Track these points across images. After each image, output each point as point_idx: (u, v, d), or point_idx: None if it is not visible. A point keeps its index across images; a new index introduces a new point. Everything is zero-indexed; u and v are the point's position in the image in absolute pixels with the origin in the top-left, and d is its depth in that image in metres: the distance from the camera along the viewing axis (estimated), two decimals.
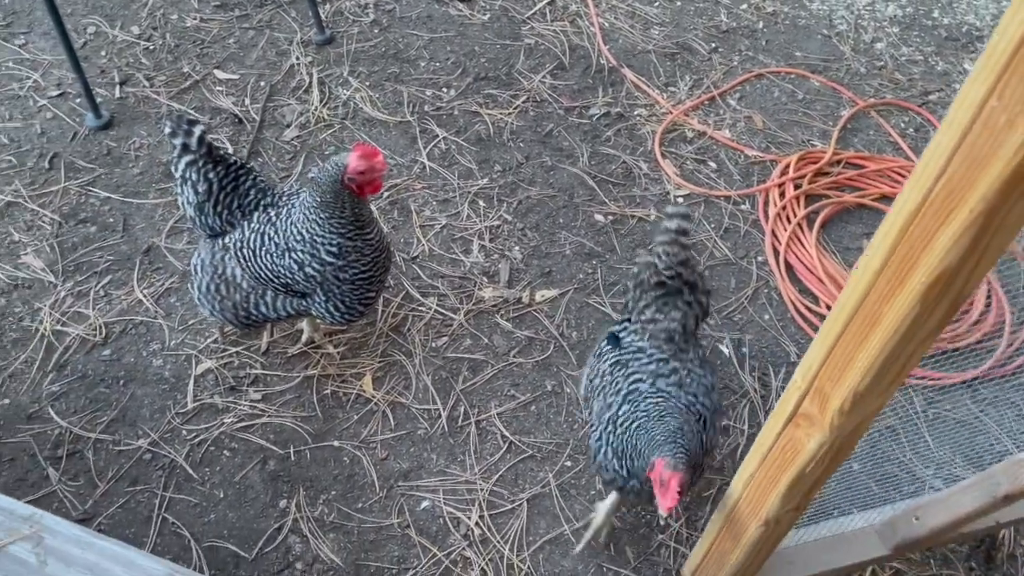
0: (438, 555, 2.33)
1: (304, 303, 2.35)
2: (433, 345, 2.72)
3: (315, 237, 2.20)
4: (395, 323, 2.75)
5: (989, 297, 2.89)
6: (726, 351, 2.79)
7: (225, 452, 2.46)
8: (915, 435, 2.60)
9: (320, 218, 2.18)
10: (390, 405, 2.58)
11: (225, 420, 2.51)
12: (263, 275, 2.29)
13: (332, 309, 2.34)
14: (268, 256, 2.26)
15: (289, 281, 2.27)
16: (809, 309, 2.86)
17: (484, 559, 2.33)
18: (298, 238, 2.23)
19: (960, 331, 2.78)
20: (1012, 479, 1.89)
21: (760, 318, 2.86)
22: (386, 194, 3.07)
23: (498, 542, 2.36)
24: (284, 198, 2.35)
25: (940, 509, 2.01)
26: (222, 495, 2.39)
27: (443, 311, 2.79)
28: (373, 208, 2.99)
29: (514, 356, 2.73)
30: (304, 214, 2.22)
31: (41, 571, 1.50)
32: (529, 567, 2.32)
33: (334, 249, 2.20)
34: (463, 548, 2.34)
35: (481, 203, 3.09)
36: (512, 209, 3.09)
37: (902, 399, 2.68)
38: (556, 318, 2.82)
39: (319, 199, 2.17)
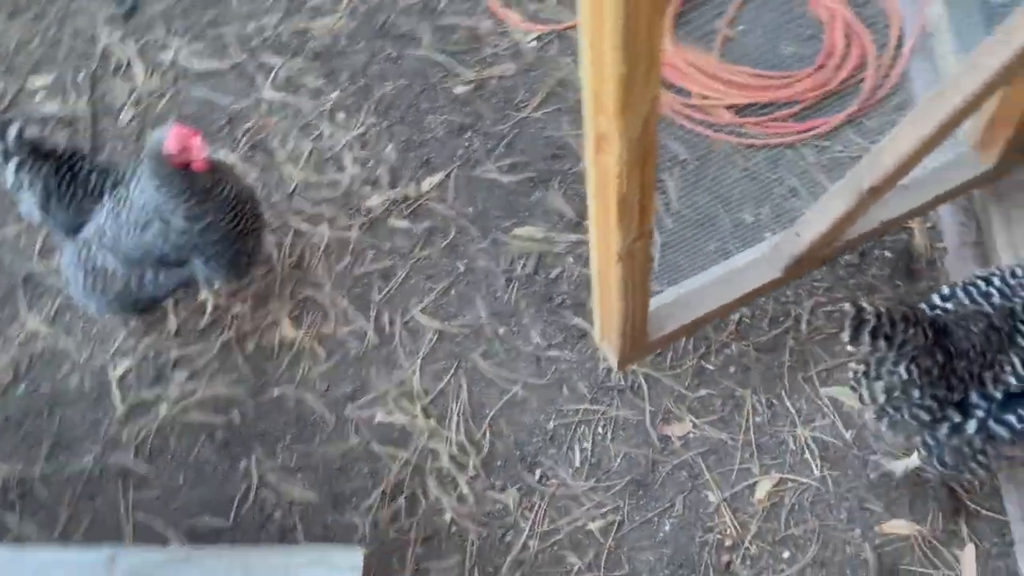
0: (406, 457, 2.36)
1: (187, 271, 2.29)
2: (338, 269, 2.69)
3: (160, 206, 2.13)
4: (294, 261, 2.71)
5: (848, 38, 2.88)
6: None
7: (171, 439, 2.45)
8: (815, 187, 2.64)
9: (157, 188, 2.12)
10: (315, 339, 2.57)
11: (160, 410, 2.48)
12: (134, 256, 2.22)
13: (217, 269, 2.29)
14: (130, 235, 2.19)
15: (160, 253, 2.21)
16: (685, 105, 2.84)
17: (450, 445, 2.37)
18: (149, 208, 2.16)
19: (827, 76, 2.78)
20: (873, 171, 1.94)
21: None
22: (243, 140, 2.97)
23: (457, 424, 2.39)
24: (131, 172, 2.27)
25: (817, 219, 2.07)
26: (182, 479, 2.39)
27: (337, 233, 2.74)
28: (227, 161, 2.90)
29: (419, 251, 2.70)
30: (147, 184, 2.15)
31: None
32: (491, 436, 2.37)
33: (182, 215, 2.14)
34: (427, 443, 2.38)
35: (340, 116, 3.00)
36: (373, 111, 3.00)
37: (794, 156, 2.70)
38: (448, 200, 2.79)
39: (150, 171, 2.10)
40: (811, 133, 2.71)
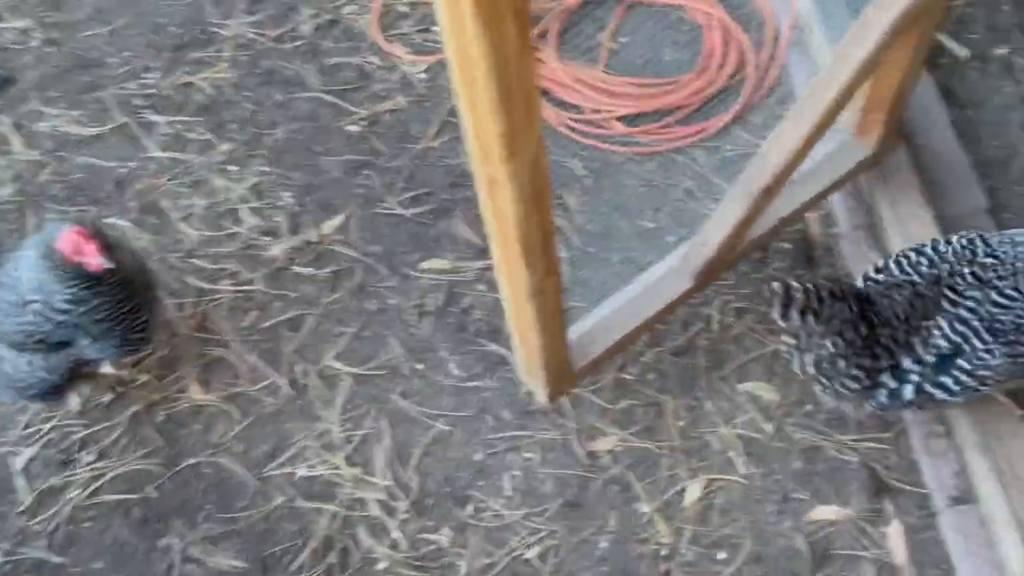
0: (333, 509, 2.30)
1: (76, 351, 2.19)
2: (244, 324, 2.61)
3: (42, 286, 2.04)
4: (197, 322, 2.62)
5: (726, 39, 2.95)
6: None
7: (84, 524, 2.34)
8: (710, 187, 2.69)
9: (45, 268, 2.03)
10: (227, 400, 2.49)
11: (70, 495, 2.37)
12: (15, 340, 2.12)
13: (107, 347, 2.19)
14: (9, 318, 2.09)
15: (42, 335, 2.11)
16: (577, 120, 2.86)
17: (377, 491, 2.31)
18: (31, 287, 2.06)
19: (710, 78, 2.84)
20: (762, 172, 1.98)
21: None
22: (133, 203, 2.87)
23: (382, 469, 2.34)
24: (8, 255, 2.17)
25: (717, 227, 2.10)
26: (101, 564, 2.28)
27: (240, 288, 2.67)
28: (117, 225, 2.81)
29: (327, 296, 2.65)
30: (33, 262, 2.05)
31: None
32: (419, 477, 2.33)
33: (67, 298, 2.05)
34: (353, 492, 2.32)
35: (232, 168, 2.93)
36: (265, 159, 2.94)
37: (686, 160, 2.75)
38: (352, 241, 2.75)
39: (41, 252, 2.01)
40: (700, 136, 2.76)
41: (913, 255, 2.00)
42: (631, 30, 3.07)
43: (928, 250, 1.99)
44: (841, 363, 1.92)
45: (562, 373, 2.15)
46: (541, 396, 2.24)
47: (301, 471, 2.37)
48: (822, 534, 2.16)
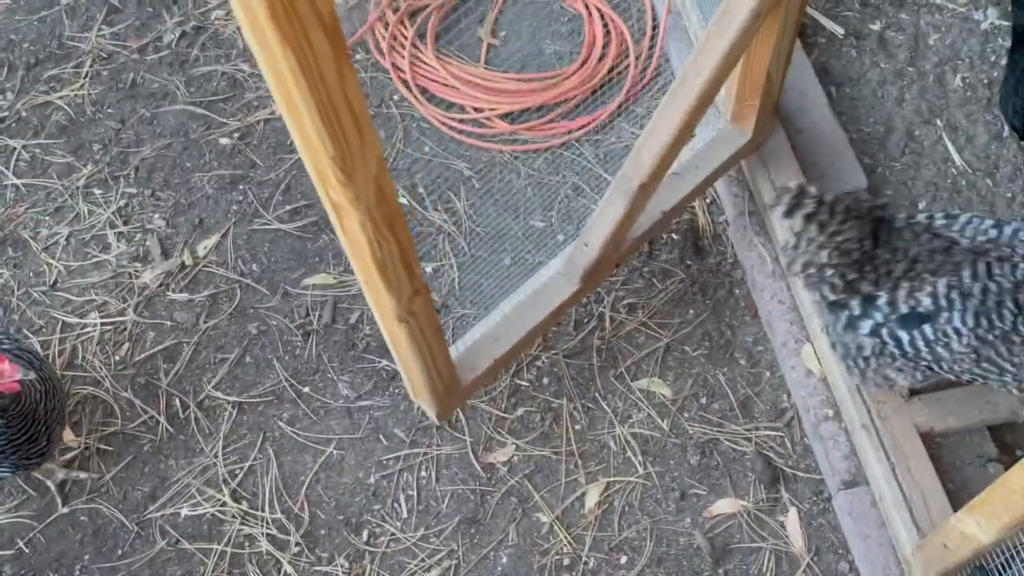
0: (220, 548, 2.18)
1: None
2: (117, 358, 2.46)
3: None
4: (65, 360, 2.45)
5: (607, 28, 2.90)
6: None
7: None
8: (598, 181, 2.64)
9: None
10: (100, 441, 2.33)
11: None
12: None
13: (9, 467, 2.00)
14: None
15: None
16: (460, 120, 2.78)
17: (266, 525, 2.20)
18: None
19: (592, 70, 2.78)
20: (637, 170, 1.93)
21: (421, 152, 2.76)
22: None
23: (270, 501, 2.23)
24: None
25: (599, 226, 2.04)
26: None
27: (110, 320, 2.51)
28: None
29: (204, 321, 2.51)
30: None
31: None
32: (310, 506, 2.22)
33: None
34: (241, 528, 2.20)
35: (96, 191, 2.75)
36: (132, 180, 2.77)
37: (572, 155, 2.69)
38: (229, 261, 2.61)
39: None
40: (585, 129, 2.71)
41: (988, 222, 1.81)
42: (511, 24, 2.99)
43: (1007, 228, 1.79)
44: (828, 271, 1.83)
45: (450, 391, 2.06)
46: (431, 416, 2.15)
47: (184, 511, 2.24)
48: (721, 529, 2.14)
